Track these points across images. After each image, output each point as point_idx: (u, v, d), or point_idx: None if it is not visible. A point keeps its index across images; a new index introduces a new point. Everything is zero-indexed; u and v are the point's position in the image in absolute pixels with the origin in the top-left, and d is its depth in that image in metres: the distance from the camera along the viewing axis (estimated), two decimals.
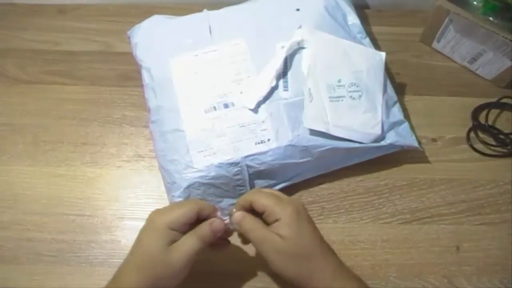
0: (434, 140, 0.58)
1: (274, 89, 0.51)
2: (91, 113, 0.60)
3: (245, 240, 0.46)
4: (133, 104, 0.60)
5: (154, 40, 0.57)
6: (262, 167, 0.49)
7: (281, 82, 0.52)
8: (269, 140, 0.50)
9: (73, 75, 0.63)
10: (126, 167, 0.56)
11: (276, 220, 0.40)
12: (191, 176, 0.48)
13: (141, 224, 0.41)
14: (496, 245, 0.51)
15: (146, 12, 0.64)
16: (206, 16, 0.58)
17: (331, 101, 0.51)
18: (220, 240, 0.44)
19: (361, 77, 0.53)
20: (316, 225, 0.42)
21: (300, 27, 0.55)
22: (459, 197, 0.54)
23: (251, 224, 0.41)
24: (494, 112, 0.60)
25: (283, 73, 0.52)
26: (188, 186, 0.48)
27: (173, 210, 0.41)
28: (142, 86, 0.57)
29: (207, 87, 0.52)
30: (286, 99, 0.51)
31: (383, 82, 0.55)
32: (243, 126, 0.50)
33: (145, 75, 0.56)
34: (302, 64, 0.53)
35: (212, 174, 0.48)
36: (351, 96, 0.52)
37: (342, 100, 0.52)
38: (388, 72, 0.61)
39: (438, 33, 0.63)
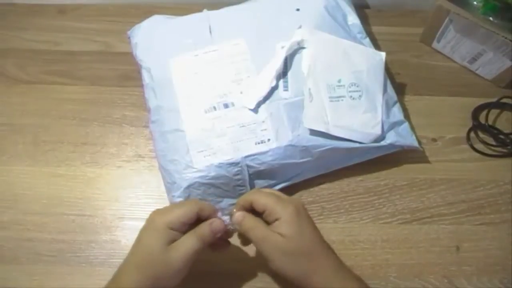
0: (434, 140, 0.58)
1: (274, 89, 0.51)
2: (91, 113, 0.60)
3: (245, 240, 0.46)
4: (133, 104, 0.60)
5: (154, 40, 0.57)
6: (262, 167, 0.49)
7: (281, 82, 0.52)
8: (269, 140, 0.50)
9: (73, 75, 0.63)
10: (126, 167, 0.56)
11: (277, 219, 0.40)
12: (191, 176, 0.48)
13: (141, 224, 0.41)
14: (496, 245, 0.51)
15: (146, 12, 0.64)
16: (206, 16, 0.58)
17: (331, 101, 0.51)
18: (220, 241, 0.44)
19: (361, 77, 0.53)
20: (316, 225, 0.42)
21: (300, 27, 0.55)
22: (459, 197, 0.54)
23: (251, 223, 0.41)
24: (494, 112, 0.60)
25: (283, 73, 0.52)
26: (188, 186, 0.48)
27: (173, 210, 0.41)
28: (142, 86, 0.57)
29: (207, 87, 0.52)
30: (286, 99, 0.51)
31: (383, 82, 0.55)
32: (243, 126, 0.50)
33: (145, 75, 0.56)
34: (302, 64, 0.53)
35: (212, 174, 0.48)
36: (351, 96, 0.52)
37: (342, 100, 0.52)
38: (388, 72, 0.61)
39: (438, 33, 0.63)
